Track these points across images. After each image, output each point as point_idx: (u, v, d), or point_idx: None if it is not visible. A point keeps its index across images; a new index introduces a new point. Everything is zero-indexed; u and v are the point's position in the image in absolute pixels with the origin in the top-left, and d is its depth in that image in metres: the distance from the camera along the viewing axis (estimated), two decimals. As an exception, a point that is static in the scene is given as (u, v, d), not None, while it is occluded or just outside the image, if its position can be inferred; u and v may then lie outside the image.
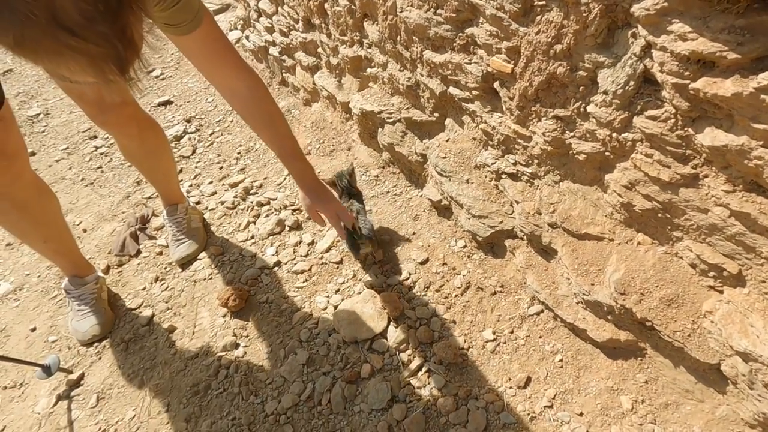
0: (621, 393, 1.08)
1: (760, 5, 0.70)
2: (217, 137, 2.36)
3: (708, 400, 0.99)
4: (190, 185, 2.06)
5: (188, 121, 2.51)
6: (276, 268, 1.60)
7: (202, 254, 1.69)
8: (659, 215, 0.99)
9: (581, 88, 1.02)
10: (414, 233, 1.60)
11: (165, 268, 1.69)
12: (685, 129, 0.86)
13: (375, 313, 1.35)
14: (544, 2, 0.99)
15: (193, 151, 2.29)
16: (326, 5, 1.84)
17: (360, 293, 1.44)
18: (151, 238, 1.83)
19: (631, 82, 0.91)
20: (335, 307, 1.42)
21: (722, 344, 0.90)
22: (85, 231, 1.93)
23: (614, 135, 0.99)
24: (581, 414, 1.07)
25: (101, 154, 2.41)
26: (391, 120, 1.71)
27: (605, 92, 0.96)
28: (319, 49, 2.10)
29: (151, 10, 0.55)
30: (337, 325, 1.36)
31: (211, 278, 1.62)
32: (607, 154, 1.04)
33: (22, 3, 0.44)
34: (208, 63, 1.03)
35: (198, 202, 1.95)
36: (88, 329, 1.46)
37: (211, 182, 2.05)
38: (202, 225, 1.78)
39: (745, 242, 0.85)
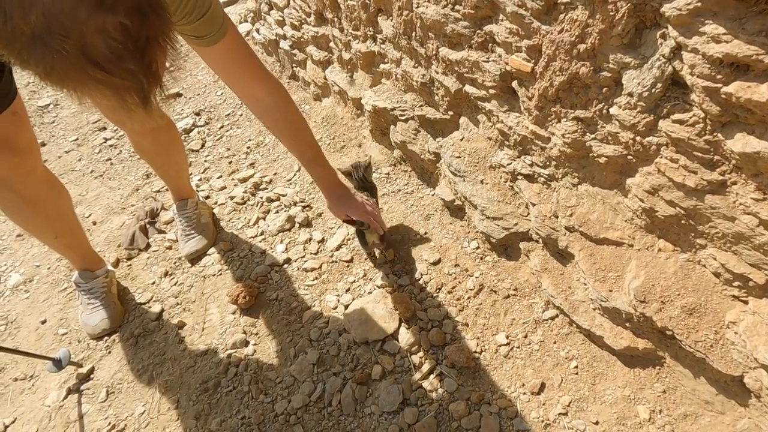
0: (638, 402, 1.06)
1: (801, 7, 0.66)
2: (227, 131, 2.35)
3: (729, 412, 0.97)
4: (200, 179, 2.05)
5: (197, 114, 2.49)
6: (286, 266, 1.59)
7: (212, 250, 1.69)
8: (683, 222, 0.97)
9: (605, 89, 0.99)
10: (426, 233, 1.58)
11: (174, 262, 1.69)
12: (714, 134, 0.83)
13: (386, 313, 1.34)
14: (568, 0, 0.96)
15: (203, 145, 2.28)
16: (339, -1, 1.81)
17: (371, 293, 1.42)
18: (161, 232, 1.82)
19: (658, 85, 0.88)
20: (346, 307, 1.41)
21: (746, 356, 0.88)
22: (94, 223, 1.93)
23: (638, 138, 0.96)
24: (597, 423, 1.06)
25: (111, 146, 2.41)
26: (403, 117, 1.69)
27: (630, 94, 0.93)
28: (331, 44, 2.07)
29: (176, 31, 0.56)
30: (347, 324, 1.35)
31: (220, 274, 1.61)
32: (629, 157, 1.01)
33: (56, 40, 0.46)
34: (233, 73, 1.04)
35: (207, 197, 1.94)
36: (98, 323, 1.46)
37: (220, 177, 2.04)
38: (211, 220, 1.78)
39: (773, 252, 0.82)
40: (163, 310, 1.53)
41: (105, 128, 2.53)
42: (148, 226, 1.83)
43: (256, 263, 1.61)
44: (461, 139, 1.50)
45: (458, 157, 1.47)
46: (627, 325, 1.10)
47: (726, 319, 0.92)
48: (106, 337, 1.48)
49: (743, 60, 0.72)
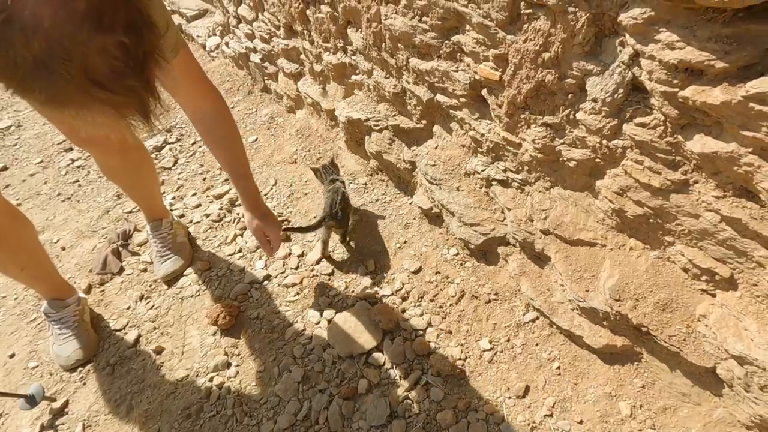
0: (619, 399, 1.08)
1: (745, 14, 0.70)
2: (200, 147, 2.30)
3: (705, 403, 1.00)
4: (173, 198, 2.01)
5: (168, 130, 2.44)
6: (266, 282, 1.56)
7: (189, 270, 1.65)
8: (651, 220, 1.00)
9: (570, 95, 1.02)
10: (405, 242, 1.58)
11: (150, 285, 1.64)
12: (675, 136, 0.87)
13: (370, 325, 1.33)
14: (531, 11, 0.98)
15: (175, 162, 2.23)
16: (308, 12, 1.81)
17: (354, 305, 1.41)
18: (134, 254, 1.77)
19: (620, 90, 0.91)
20: (329, 321, 1.39)
21: (717, 348, 0.91)
22: (63, 249, 1.86)
23: (604, 142, 0.99)
24: (581, 422, 1.07)
25: (78, 167, 2.33)
26: (378, 127, 1.70)
27: (594, 100, 0.96)
28: (302, 56, 2.07)
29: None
30: (331, 339, 1.34)
31: (198, 295, 1.57)
32: (597, 160, 1.04)
33: (59, 64, 0.46)
34: (181, 87, 1.09)
35: (182, 216, 1.90)
36: (71, 353, 1.41)
37: (194, 194, 2.00)
38: (187, 239, 1.74)
39: (736, 247, 0.86)
40: (140, 336, 1.48)
41: (71, 149, 2.45)
42: (120, 248, 1.78)
43: (235, 281, 1.58)
44: (435, 148, 1.52)
45: (433, 165, 1.49)
46: (604, 323, 1.12)
47: (696, 312, 0.95)
48: (80, 368, 1.42)
49: (696, 65, 0.75)
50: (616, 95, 0.91)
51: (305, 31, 1.91)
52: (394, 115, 1.64)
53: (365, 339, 1.31)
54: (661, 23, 0.77)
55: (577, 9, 0.89)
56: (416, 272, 1.48)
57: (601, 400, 1.10)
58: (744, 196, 0.82)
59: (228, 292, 1.55)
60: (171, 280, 1.62)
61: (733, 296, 0.91)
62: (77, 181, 2.22)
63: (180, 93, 1.11)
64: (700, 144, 0.82)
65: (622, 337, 1.10)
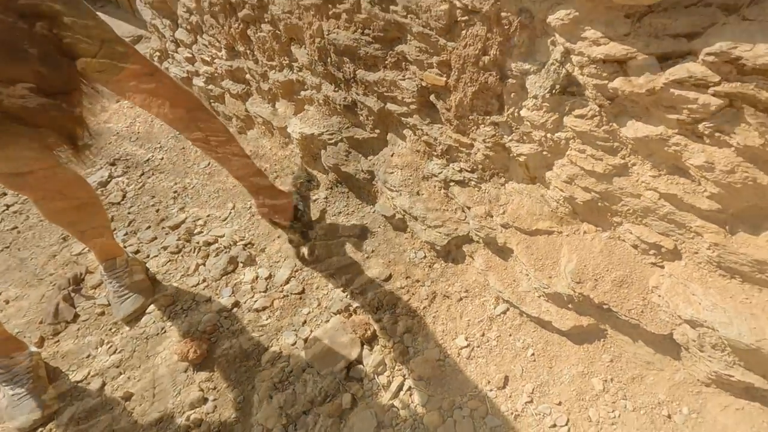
0: (592, 375, 1.14)
1: (655, 9, 0.77)
2: (148, 178, 2.21)
3: (667, 368, 1.07)
4: (126, 233, 1.91)
5: (113, 164, 2.33)
6: (235, 309, 1.52)
7: (150, 307, 1.57)
8: (599, 204, 1.06)
9: (513, 94, 1.07)
10: (373, 251, 1.59)
11: (109, 329, 1.55)
12: (610, 124, 0.93)
13: (347, 339, 1.33)
14: (467, 17, 1.03)
15: (124, 197, 2.13)
16: (249, 32, 1.79)
17: (328, 321, 1.40)
18: (89, 298, 1.66)
19: (557, 86, 0.97)
20: (305, 341, 1.37)
21: (671, 315, 0.98)
22: (7, 302, 1.72)
23: (548, 135, 1.05)
24: (560, 403, 1.12)
25: (15, 212, 2.17)
26: (332, 141, 1.70)
27: (535, 97, 1.02)
28: (248, 76, 2.04)
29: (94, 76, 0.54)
30: (310, 359, 1.32)
31: (164, 332, 1.50)
32: (544, 153, 1.10)
33: None
34: (144, 97, 1.02)
35: (137, 251, 1.81)
36: (27, 415, 1.30)
37: (148, 227, 1.92)
38: (145, 275, 1.66)
39: (675, 220, 0.94)
40: (104, 384, 1.39)
41: (5, 194, 2.28)
42: (72, 294, 1.67)
43: (202, 313, 1.52)
44: (392, 155, 1.54)
45: (392, 172, 1.51)
46: (570, 306, 1.18)
47: (650, 284, 1.03)
48: (40, 429, 1.31)
49: (621, 58, 0.82)
50: (553, 91, 0.97)
51: (248, 51, 1.89)
52: (348, 127, 1.65)
53: (344, 353, 1.30)
54: (586, 22, 0.84)
55: (509, 14, 0.94)
56: (387, 280, 1.49)
57: (576, 379, 1.15)
58: (677, 173, 0.89)
59: (196, 324, 1.49)
60: (132, 320, 1.54)
61: (679, 265, 0.99)
62: (15, 227, 2.07)
63: (144, 102, 1.04)
64: (633, 129, 0.89)
65: (587, 316, 1.16)
